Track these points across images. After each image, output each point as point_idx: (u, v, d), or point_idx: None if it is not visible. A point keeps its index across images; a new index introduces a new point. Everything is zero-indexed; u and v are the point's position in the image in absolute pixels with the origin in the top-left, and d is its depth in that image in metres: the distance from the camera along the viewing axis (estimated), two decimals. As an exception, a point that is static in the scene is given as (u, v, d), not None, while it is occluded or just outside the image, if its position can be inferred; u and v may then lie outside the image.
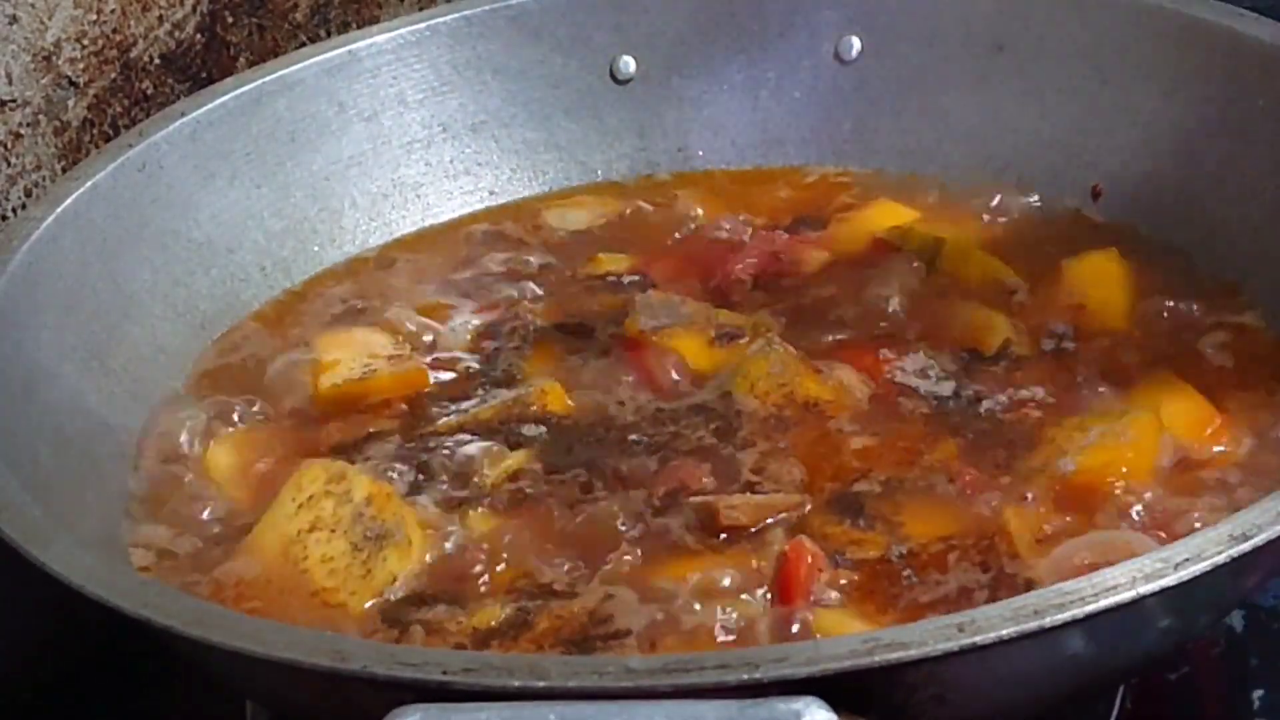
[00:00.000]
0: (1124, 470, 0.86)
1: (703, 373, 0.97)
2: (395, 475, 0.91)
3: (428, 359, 1.01)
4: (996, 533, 0.84)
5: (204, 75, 1.24)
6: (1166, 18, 1.06)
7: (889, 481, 0.88)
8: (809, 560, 0.81)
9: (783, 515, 0.86)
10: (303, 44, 1.32)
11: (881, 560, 0.83)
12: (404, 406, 0.97)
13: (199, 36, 1.24)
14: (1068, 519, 0.84)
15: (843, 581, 0.81)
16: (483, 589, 0.83)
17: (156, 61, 1.20)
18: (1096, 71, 1.10)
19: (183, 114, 1.07)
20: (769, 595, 0.81)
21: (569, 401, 0.96)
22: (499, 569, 0.85)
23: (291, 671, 0.66)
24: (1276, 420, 0.90)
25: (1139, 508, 0.84)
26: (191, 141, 1.06)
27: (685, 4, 1.18)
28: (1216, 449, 0.88)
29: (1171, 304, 1.00)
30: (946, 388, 0.95)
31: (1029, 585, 0.80)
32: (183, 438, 0.96)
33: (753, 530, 0.85)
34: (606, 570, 0.83)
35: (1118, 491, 0.85)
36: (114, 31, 1.16)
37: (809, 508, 0.86)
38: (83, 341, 0.96)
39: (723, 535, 0.85)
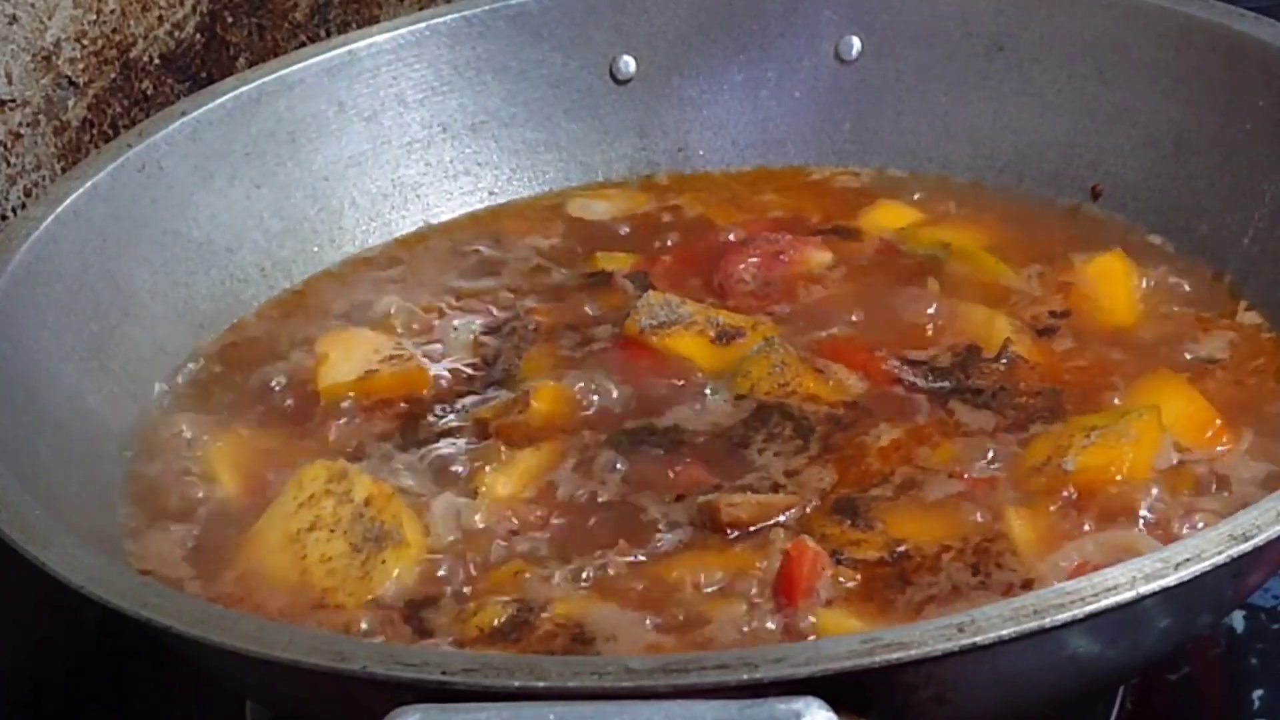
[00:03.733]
0: (1125, 470, 0.86)
1: (703, 372, 0.97)
2: (395, 475, 0.91)
3: (428, 359, 1.01)
4: (997, 533, 0.84)
5: (204, 75, 1.24)
6: (1166, 18, 1.06)
7: (888, 481, 0.88)
8: (811, 559, 0.81)
9: (784, 515, 0.86)
10: (303, 44, 1.32)
11: (881, 561, 0.83)
12: (404, 406, 0.97)
13: (199, 36, 1.24)
14: (1068, 519, 0.84)
15: (843, 581, 0.81)
16: (483, 589, 0.83)
17: (156, 61, 1.20)
18: (1096, 71, 1.10)
19: (183, 114, 1.07)
20: (771, 594, 0.81)
21: (567, 401, 0.96)
22: (499, 569, 0.85)
23: (291, 671, 0.66)
24: (1277, 420, 0.90)
25: (1140, 508, 0.84)
26: (191, 141, 1.06)
27: (685, 4, 1.18)
28: (1217, 449, 0.88)
29: (1172, 304, 1.00)
30: (947, 387, 0.95)
31: (1029, 585, 0.80)
32: (182, 437, 0.96)
33: (754, 530, 0.85)
34: (608, 569, 0.83)
35: (1118, 492, 0.85)
36: (114, 31, 1.16)
37: (811, 507, 0.86)
38: (83, 341, 0.96)
39: (730, 533, 0.85)
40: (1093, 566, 0.78)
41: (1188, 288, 1.01)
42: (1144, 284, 1.02)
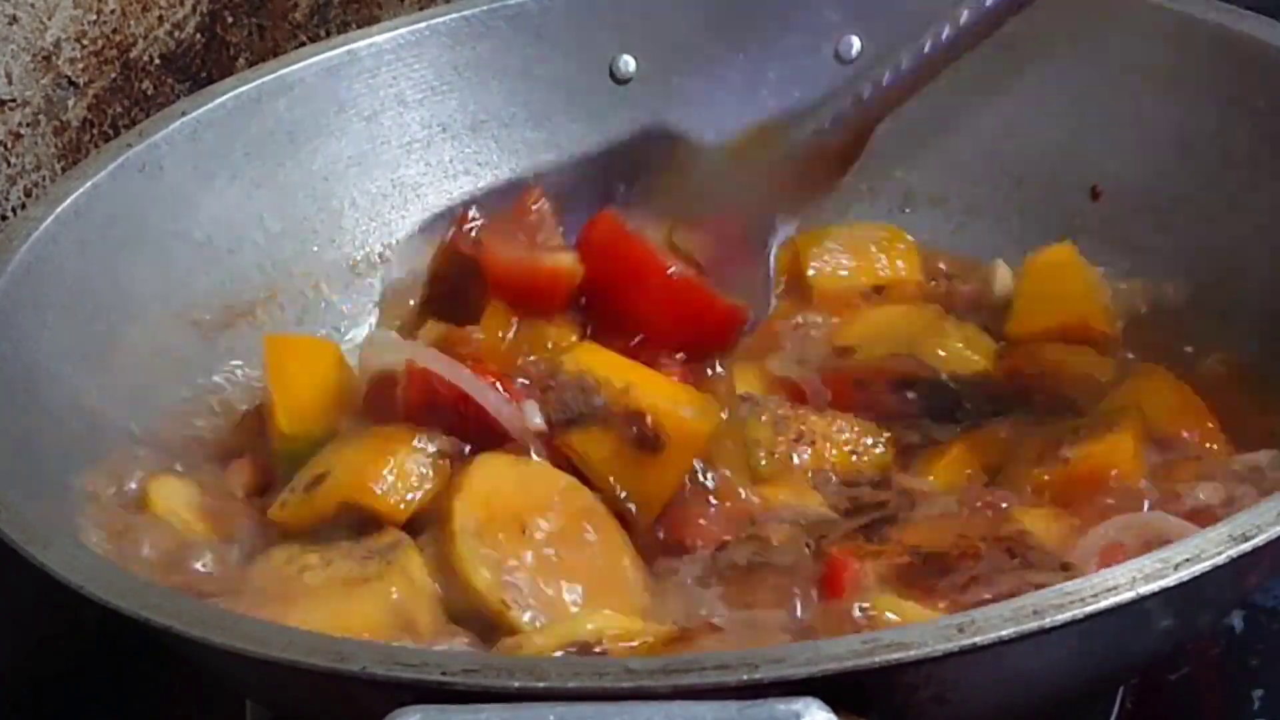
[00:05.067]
0: (1116, 467, 0.86)
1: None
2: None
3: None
4: (1014, 532, 0.83)
5: (204, 75, 1.24)
6: (1166, 18, 1.06)
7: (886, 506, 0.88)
8: (851, 561, 0.80)
9: (803, 535, 0.85)
10: (303, 44, 1.32)
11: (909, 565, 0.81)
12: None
13: (199, 36, 1.24)
14: (1071, 517, 0.84)
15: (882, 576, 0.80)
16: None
17: (156, 61, 1.20)
18: (1096, 71, 1.09)
19: (183, 114, 1.07)
20: (817, 594, 0.80)
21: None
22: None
23: (291, 671, 0.66)
24: (1273, 419, 0.90)
25: (1139, 506, 0.84)
26: (191, 141, 1.06)
27: (685, 4, 1.18)
28: (1209, 446, 0.88)
29: (1170, 304, 1.00)
30: (940, 400, 0.95)
31: (1066, 567, 0.79)
32: (182, 438, 0.96)
33: (775, 545, 0.84)
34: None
35: (1114, 490, 0.85)
36: (114, 31, 1.16)
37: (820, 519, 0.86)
38: (83, 341, 0.96)
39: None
40: (1123, 547, 0.78)
41: (1187, 288, 1.01)
42: (1143, 285, 1.02)
